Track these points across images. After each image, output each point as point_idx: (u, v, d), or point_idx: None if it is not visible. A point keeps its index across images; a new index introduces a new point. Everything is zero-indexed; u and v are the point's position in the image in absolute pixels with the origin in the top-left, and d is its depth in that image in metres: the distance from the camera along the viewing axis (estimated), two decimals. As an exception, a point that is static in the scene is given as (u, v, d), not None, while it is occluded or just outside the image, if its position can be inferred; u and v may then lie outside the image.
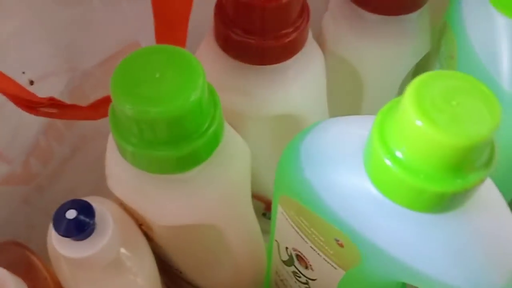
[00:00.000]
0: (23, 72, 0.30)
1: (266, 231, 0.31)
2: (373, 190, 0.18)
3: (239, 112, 0.28)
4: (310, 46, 0.28)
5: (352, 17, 0.29)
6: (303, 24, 0.26)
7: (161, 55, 0.21)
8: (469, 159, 0.16)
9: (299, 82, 0.28)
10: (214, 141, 0.23)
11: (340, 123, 0.22)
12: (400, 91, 0.32)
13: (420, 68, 0.31)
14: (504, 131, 0.25)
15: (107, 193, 0.28)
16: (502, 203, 0.19)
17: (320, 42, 0.31)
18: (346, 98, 0.33)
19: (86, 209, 0.22)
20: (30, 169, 0.32)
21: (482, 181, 0.16)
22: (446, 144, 0.15)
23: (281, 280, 0.30)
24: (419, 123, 0.15)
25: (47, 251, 0.27)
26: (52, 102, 0.27)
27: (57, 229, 0.22)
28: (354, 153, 0.19)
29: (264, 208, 0.37)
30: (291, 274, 0.28)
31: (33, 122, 0.31)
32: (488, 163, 0.17)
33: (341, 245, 0.21)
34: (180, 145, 0.21)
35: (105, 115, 0.28)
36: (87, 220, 0.22)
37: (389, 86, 0.31)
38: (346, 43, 0.30)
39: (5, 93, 0.25)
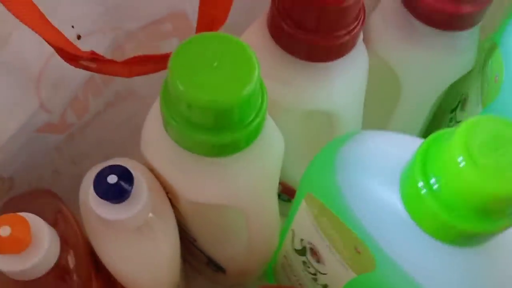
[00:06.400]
0: (72, 26, 0.30)
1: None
2: (403, 212, 0.19)
3: (276, 101, 0.29)
4: (359, 47, 0.29)
5: (403, 24, 0.30)
6: (357, 28, 0.26)
7: (221, 44, 0.22)
8: (504, 207, 0.17)
9: (342, 82, 0.28)
10: (256, 132, 0.24)
11: (379, 137, 0.23)
12: (436, 104, 0.33)
13: (459, 84, 0.32)
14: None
15: (132, 152, 0.29)
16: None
17: (364, 39, 0.32)
18: (381, 101, 0.33)
19: (126, 176, 0.24)
20: (66, 120, 0.33)
21: (510, 226, 0.18)
22: (486, 192, 0.16)
23: (289, 265, 0.32)
24: (463, 164, 0.16)
25: (69, 196, 0.28)
26: (93, 56, 0.27)
27: (97, 191, 0.23)
28: (390, 171, 0.20)
29: (280, 190, 0.39)
30: (301, 263, 0.30)
31: (75, 77, 0.32)
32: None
33: (359, 252, 0.23)
34: (223, 133, 0.22)
35: (138, 73, 0.29)
36: (127, 187, 0.23)
37: (426, 97, 0.32)
38: (393, 47, 0.31)
39: (52, 44, 0.26)
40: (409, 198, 0.19)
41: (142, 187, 0.25)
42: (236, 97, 0.21)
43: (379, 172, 0.21)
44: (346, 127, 0.31)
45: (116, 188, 0.23)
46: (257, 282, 0.38)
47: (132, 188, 0.24)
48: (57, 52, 0.27)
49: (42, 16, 0.25)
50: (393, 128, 0.34)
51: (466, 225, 0.17)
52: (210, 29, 0.30)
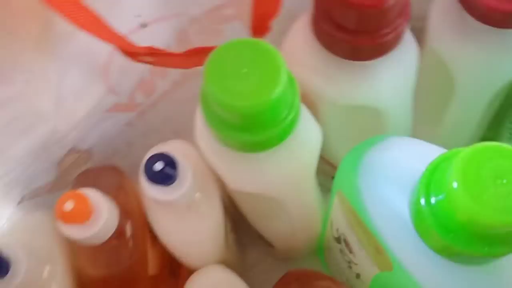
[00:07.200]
0: (139, 15, 0.33)
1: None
2: (411, 225, 0.20)
3: (321, 95, 0.29)
4: (406, 43, 0.28)
5: (459, 20, 0.29)
6: (402, 25, 0.26)
7: (251, 49, 0.23)
8: (499, 235, 0.17)
9: (387, 79, 0.28)
10: (289, 128, 0.25)
11: (405, 145, 0.23)
12: (491, 108, 0.31)
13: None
14: None
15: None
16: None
17: (423, 31, 0.31)
18: (434, 98, 0.32)
19: (171, 163, 0.26)
20: (134, 100, 0.36)
21: (511, 252, 0.18)
22: (478, 219, 0.16)
23: (330, 249, 0.33)
24: (457, 189, 0.16)
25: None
26: (151, 51, 0.30)
27: (146, 175, 0.26)
28: (407, 182, 0.21)
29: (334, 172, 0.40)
30: (338, 250, 0.31)
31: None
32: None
33: (379, 251, 0.24)
34: (257, 132, 0.24)
35: (197, 64, 0.31)
36: (171, 173, 0.26)
37: (478, 96, 0.31)
38: (447, 43, 0.30)
39: (109, 43, 0.28)
40: (415, 213, 0.19)
41: (187, 172, 0.27)
42: (262, 102, 0.22)
43: (397, 181, 0.21)
44: (394, 123, 0.30)
45: (161, 174, 0.26)
46: (308, 257, 0.40)
47: (176, 174, 0.26)
48: (117, 49, 0.30)
49: (95, 18, 0.26)
50: (445, 126, 0.33)
51: (461, 247, 0.17)
52: (263, 23, 0.31)
